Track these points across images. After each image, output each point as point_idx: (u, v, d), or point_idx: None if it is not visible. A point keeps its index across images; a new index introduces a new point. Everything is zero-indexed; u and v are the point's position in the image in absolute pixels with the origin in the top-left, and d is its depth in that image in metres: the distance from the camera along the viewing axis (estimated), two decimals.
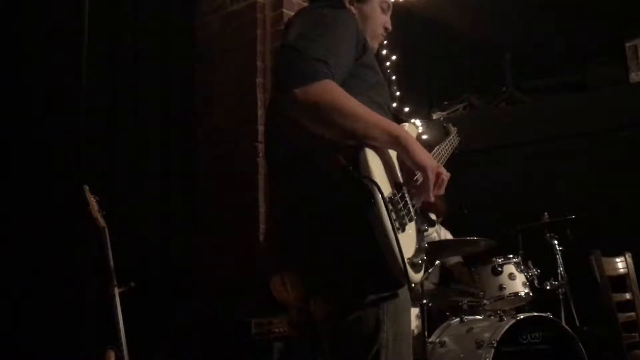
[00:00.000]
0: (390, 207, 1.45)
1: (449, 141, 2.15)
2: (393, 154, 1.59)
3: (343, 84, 1.52)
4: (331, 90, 1.44)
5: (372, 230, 1.42)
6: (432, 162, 1.57)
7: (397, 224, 1.46)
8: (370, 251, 1.42)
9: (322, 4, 1.70)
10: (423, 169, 1.55)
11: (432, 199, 1.60)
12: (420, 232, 1.62)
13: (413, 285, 1.51)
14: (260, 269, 1.66)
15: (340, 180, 1.45)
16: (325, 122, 1.47)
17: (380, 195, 1.41)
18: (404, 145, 1.52)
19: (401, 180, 1.59)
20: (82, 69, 3.19)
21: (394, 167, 1.59)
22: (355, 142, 1.49)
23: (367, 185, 1.42)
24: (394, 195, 1.52)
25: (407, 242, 1.51)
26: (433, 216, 1.75)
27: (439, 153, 2.01)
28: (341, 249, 1.46)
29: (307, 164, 1.54)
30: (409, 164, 1.55)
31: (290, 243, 1.58)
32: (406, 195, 1.58)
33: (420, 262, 1.51)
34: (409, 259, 1.47)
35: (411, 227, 1.57)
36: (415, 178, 1.61)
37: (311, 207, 1.51)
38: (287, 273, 1.61)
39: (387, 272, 1.44)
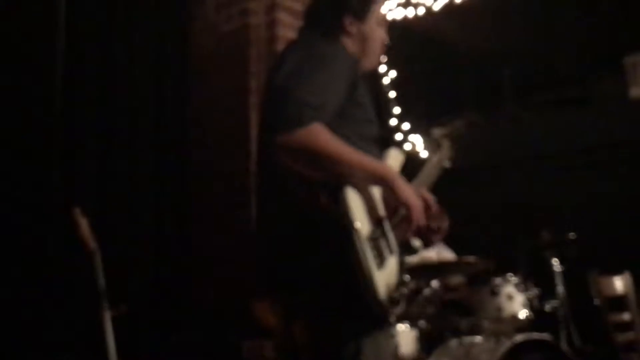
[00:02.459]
0: (370, 244, 1.49)
1: (440, 155, 2.17)
2: (376, 188, 1.62)
3: (330, 122, 1.54)
4: (316, 135, 1.47)
5: (351, 270, 1.45)
6: (417, 200, 1.60)
7: (377, 261, 1.49)
8: (349, 289, 1.46)
9: (316, 35, 1.73)
10: (408, 208, 1.59)
11: (412, 234, 1.67)
12: (402, 265, 1.64)
13: (390, 320, 1.55)
14: (247, 293, 1.72)
15: (320, 220, 1.50)
16: (310, 165, 1.51)
17: (357, 237, 1.45)
18: (390, 184, 1.56)
19: (383, 214, 1.62)
20: (62, 88, 3.19)
21: (376, 202, 1.62)
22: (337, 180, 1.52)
23: (346, 226, 1.46)
24: (374, 232, 1.55)
25: (387, 277, 1.54)
26: (417, 243, 1.78)
27: (430, 167, 2.06)
28: (323, 284, 1.50)
29: (291, 200, 1.57)
30: (394, 201, 1.59)
31: (275, 272, 1.62)
32: (388, 228, 1.61)
33: (398, 296, 1.53)
34: (388, 295, 1.50)
35: (392, 261, 1.59)
36: (399, 213, 1.65)
37: (295, 242, 1.55)
38: (271, 299, 1.67)
39: (366, 309, 1.47)
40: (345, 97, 1.62)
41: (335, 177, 1.51)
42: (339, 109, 1.60)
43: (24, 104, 3.10)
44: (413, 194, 1.60)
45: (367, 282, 1.44)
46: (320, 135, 1.47)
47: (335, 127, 1.56)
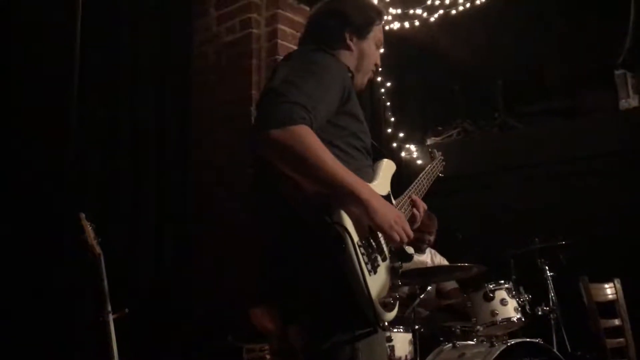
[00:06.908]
0: (361, 250, 1.51)
1: (433, 166, 2.22)
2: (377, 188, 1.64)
3: (321, 131, 1.57)
4: (304, 136, 1.47)
5: (343, 274, 1.47)
6: (388, 221, 1.56)
7: (369, 267, 1.52)
8: (342, 294, 1.49)
9: (314, 47, 1.76)
10: (381, 231, 1.58)
11: (399, 245, 1.66)
12: (394, 270, 1.66)
13: (386, 323, 1.55)
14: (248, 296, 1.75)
15: (313, 225, 1.51)
16: (293, 166, 1.51)
17: (350, 241, 1.47)
18: (363, 204, 1.52)
19: None
20: (73, 97, 3.22)
21: None
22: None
23: (337, 230, 1.47)
24: (366, 239, 1.56)
25: (380, 282, 1.56)
26: (410, 250, 1.79)
27: (423, 177, 2.10)
28: (317, 289, 1.53)
29: (285, 205, 1.58)
30: (369, 223, 1.56)
31: (270, 277, 1.65)
32: (380, 235, 1.63)
33: (392, 301, 1.55)
34: (380, 299, 1.53)
35: (385, 267, 1.62)
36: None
37: (290, 246, 1.57)
38: (267, 303, 1.69)
39: (359, 312, 1.50)
40: (338, 108, 1.65)
41: (315, 183, 1.50)
42: (331, 118, 1.63)
43: (32, 112, 3.14)
44: (387, 216, 1.56)
45: (359, 287, 1.46)
46: (308, 137, 1.47)
47: (327, 136, 1.59)
